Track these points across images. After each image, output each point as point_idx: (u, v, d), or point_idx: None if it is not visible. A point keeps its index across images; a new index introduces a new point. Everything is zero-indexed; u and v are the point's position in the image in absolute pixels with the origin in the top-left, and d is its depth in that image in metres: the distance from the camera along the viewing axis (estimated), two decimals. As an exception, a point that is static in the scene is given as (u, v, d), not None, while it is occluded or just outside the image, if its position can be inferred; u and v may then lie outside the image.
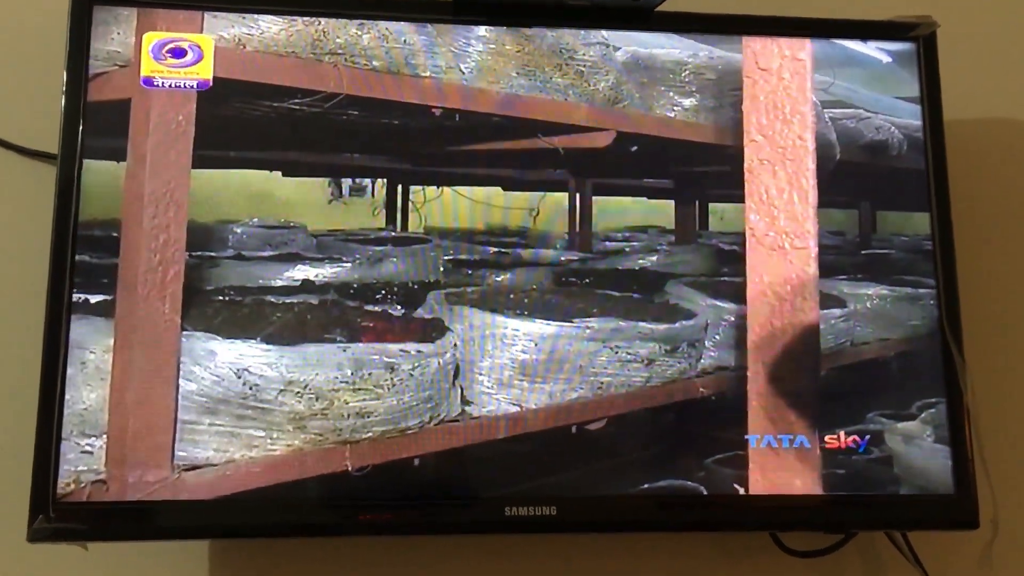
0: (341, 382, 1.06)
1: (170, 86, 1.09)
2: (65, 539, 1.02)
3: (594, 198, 1.17)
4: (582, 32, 1.18)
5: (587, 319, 1.13)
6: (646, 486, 1.11)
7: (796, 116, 1.18)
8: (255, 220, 1.11)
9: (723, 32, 1.21)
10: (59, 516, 1.01)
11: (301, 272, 1.11)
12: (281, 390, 1.05)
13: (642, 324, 1.14)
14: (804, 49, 1.19)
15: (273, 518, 1.05)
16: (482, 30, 1.16)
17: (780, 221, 1.17)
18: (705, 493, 1.11)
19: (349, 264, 1.12)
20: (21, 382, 1.06)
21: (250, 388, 1.04)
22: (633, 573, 1.24)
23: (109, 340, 1.04)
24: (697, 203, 1.20)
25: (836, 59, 1.21)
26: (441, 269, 1.14)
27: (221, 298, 1.08)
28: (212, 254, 1.09)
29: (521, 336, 1.11)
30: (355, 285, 1.11)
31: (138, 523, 1.04)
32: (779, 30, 1.21)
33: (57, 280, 1.04)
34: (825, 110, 1.20)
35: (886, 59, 1.22)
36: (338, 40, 1.13)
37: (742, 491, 1.12)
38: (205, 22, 1.11)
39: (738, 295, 1.16)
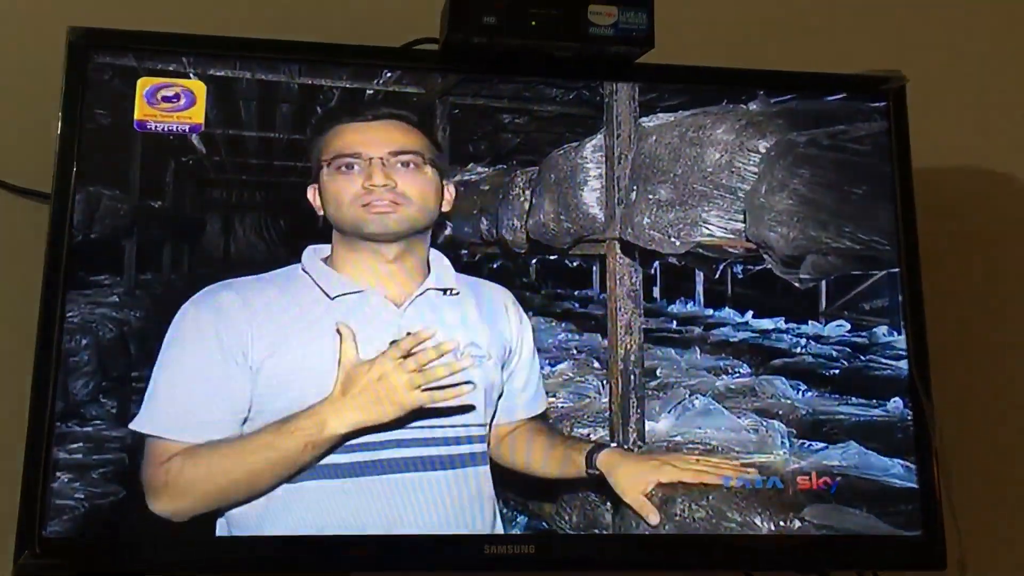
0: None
1: (163, 130, 1.12)
2: (50, 574, 1.03)
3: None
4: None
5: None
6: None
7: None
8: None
9: (700, 83, 1.25)
10: (45, 551, 1.02)
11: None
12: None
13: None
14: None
15: (255, 553, 1.06)
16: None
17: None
18: (680, 533, 1.13)
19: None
20: (10, 420, 1.08)
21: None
22: (610, 610, 1.26)
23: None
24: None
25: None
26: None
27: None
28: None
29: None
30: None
31: (122, 559, 1.05)
32: (756, 81, 1.25)
33: (47, 318, 1.06)
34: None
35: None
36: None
37: (717, 531, 1.14)
38: (199, 67, 1.14)
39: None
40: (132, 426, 1.02)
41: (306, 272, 1.08)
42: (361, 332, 1.05)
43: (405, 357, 1.01)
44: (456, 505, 1.06)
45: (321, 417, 1.01)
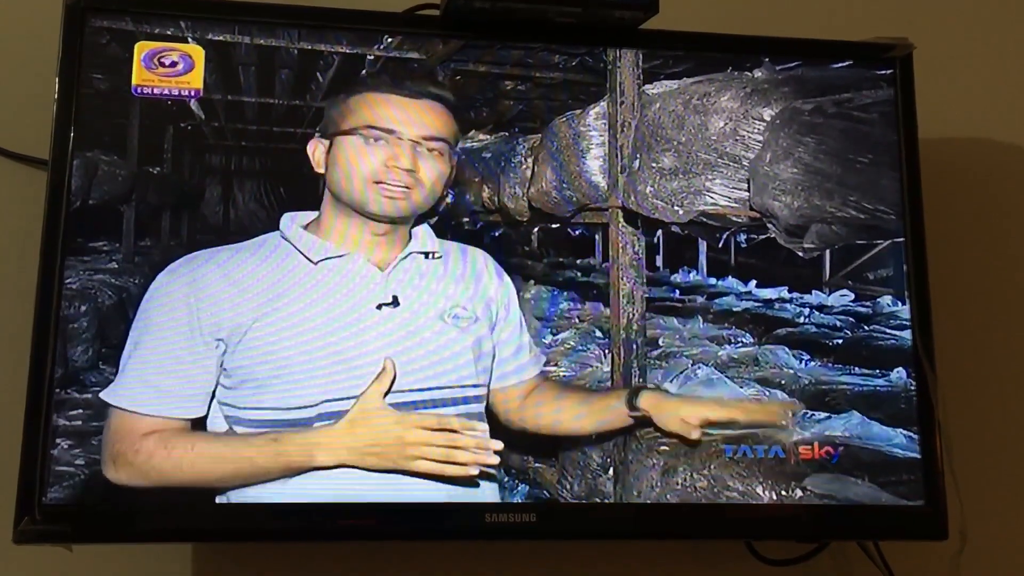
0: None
1: (161, 95, 1.11)
2: (50, 541, 1.03)
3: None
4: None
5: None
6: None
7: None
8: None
9: (705, 50, 1.24)
10: (45, 518, 1.02)
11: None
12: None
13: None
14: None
15: (256, 522, 1.06)
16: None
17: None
18: (681, 502, 1.13)
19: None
20: (9, 387, 1.07)
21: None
22: (610, 580, 1.27)
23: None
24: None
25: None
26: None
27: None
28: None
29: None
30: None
31: (122, 525, 1.05)
32: (761, 48, 1.24)
33: (46, 285, 1.05)
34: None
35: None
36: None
37: (718, 500, 1.14)
38: (198, 31, 1.13)
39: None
40: (103, 396, 1.02)
41: (286, 239, 1.07)
42: (346, 296, 1.05)
43: (436, 430, 1.02)
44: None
45: (311, 450, 1.01)
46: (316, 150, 1.09)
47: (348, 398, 1.02)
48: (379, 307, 1.05)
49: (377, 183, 1.05)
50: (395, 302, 1.06)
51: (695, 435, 1.12)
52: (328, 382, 1.03)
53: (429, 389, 1.06)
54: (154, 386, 1.01)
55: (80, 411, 1.05)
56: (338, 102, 1.09)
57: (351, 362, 1.03)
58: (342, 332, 1.04)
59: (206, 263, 1.04)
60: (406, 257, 1.08)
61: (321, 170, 1.08)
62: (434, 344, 1.07)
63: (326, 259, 1.06)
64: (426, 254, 1.10)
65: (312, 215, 1.09)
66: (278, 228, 1.08)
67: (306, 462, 1.01)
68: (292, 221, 1.08)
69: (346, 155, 1.06)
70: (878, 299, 1.25)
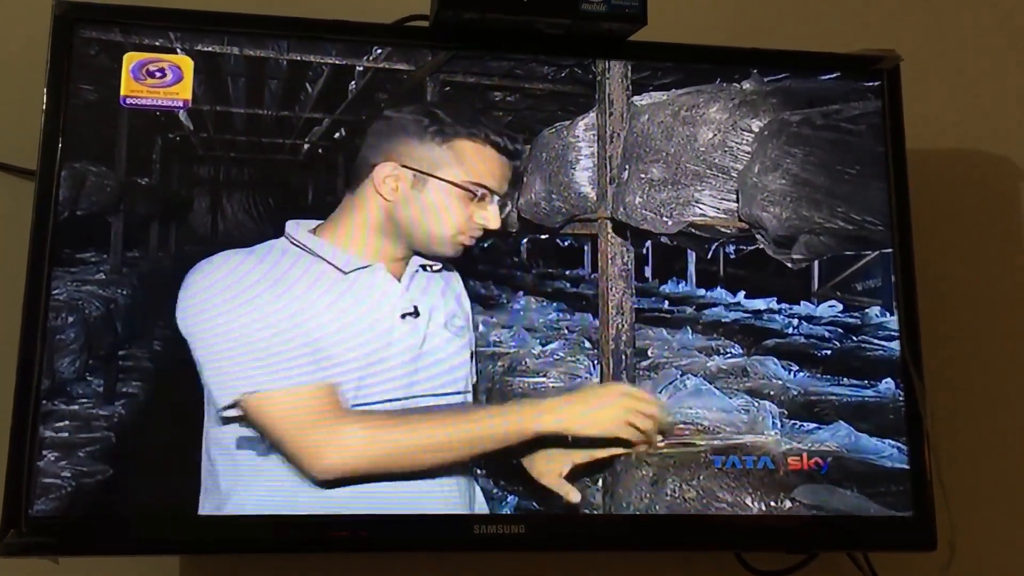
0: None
1: (149, 105, 1.11)
2: (37, 553, 1.03)
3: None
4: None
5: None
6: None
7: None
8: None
9: (693, 61, 1.24)
10: (31, 530, 1.01)
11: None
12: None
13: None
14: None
15: (243, 534, 1.05)
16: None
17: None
18: (670, 513, 1.13)
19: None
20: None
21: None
22: (600, 591, 1.26)
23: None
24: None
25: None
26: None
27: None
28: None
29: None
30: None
31: (109, 537, 1.05)
32: (750, 60, 1.24)
33: (33, 296, 1.05)
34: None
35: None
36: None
37: (707, 511, 1.14)
38: (187, 42, 1.13)
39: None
40: (241, 405, 1.00)
41: (299, 246, 1.06)
42: (374, 306, 1.06)
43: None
44: (445, 477, 1.07)
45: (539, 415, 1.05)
46: (395, 179, 1.06)
47: (377, 402, 1.03)
48: (403, 317, 1.06)
49: (458, 233, 1.07)
50: (416, 312, 1.07)
51: (575, 498, 1.10)
52: (358, 386, 1.03)
53: (440, 395, 1.07)
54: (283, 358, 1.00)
55: (67, 423, 1.04)
56: (440, 142, 1.06)
57: (377, 364, 1.04)
58: (370, 339, 1.05)
59: (243, 261, 1.03)
60: (416, 270, 1.10)
61: (392, 199, 1.06)
62: (445, 353, 1.09)
63: (356, 270, 1.06)
64: (426, 267, 1.11)
65: (314, 223, 1.08)
66: (278, 235, 1.07)
67: (530, 428, 1.05)
68: (300, 227, 1.07)
69: (446, 202, 1.06)
70: (866, 310, 1.25)
